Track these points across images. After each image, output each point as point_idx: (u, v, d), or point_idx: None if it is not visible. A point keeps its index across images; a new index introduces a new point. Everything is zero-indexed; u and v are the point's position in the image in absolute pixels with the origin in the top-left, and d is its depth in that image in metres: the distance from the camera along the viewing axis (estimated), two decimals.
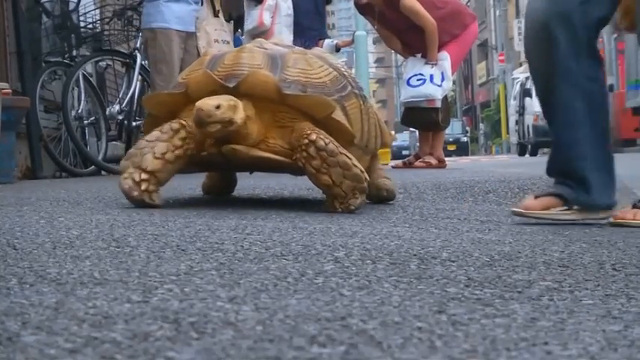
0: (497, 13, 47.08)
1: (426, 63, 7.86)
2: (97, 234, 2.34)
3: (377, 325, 1.33)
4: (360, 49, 13.84)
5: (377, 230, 2.79)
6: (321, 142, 3.36)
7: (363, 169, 3.42)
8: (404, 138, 40.93)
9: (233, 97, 3.35)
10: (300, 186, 4.37)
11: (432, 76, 7.81)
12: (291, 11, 8.45)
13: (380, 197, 4.04)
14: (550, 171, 3.45)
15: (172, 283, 1.64)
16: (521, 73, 31.86)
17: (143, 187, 3.36)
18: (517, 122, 27.88)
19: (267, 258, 2.02)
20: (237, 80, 3.46)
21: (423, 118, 7.96)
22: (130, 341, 1.17)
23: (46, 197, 3.97)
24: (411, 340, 1.24)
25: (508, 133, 34.86)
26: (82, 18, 8.69)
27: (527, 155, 25.33)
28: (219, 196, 4.07)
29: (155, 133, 3.48)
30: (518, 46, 44.28)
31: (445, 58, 7.93)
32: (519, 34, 43.32)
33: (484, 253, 2.27)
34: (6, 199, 3.87)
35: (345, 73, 3.81)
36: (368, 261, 2.03)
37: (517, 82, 29.10)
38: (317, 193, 4.07)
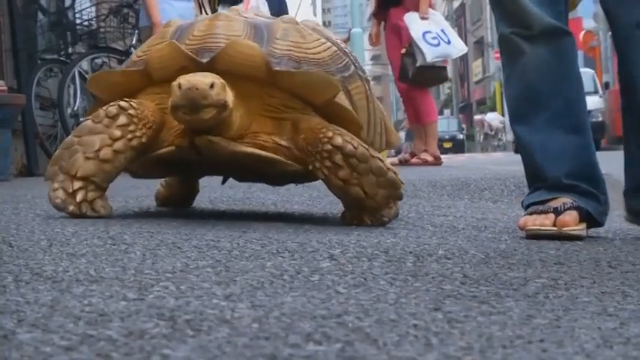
0: None
1: (421, 18, 7.99)
2: (92, 231, 2.34)
3: (373, 322, 1.33)
4: (357, 47, 13.84)
5: (373, 227, 2.78)
6: (350, 147, 2.66)
7: (396, 170, 2.75)
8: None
9: (215, 74, 2.62)
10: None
11: (440, 35, 7.98)
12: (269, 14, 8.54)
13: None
14: (574, 176, 2.72)
15: (168, 280, 1.64)
16: None
17: (79, 197, 2.67)
18: None
19: (263, 255, 2.02)
20: (213, 54, 2.72)
21: (436, 75, 8.13)
22: (125, 339, 1.17)
23: (41, 195, 3.96)
24: (407, 338, 1.24)
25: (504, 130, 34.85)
26: (77, 15, 8.69)
27: None
28: (177, 208, 3.30)
29: (86, 124, 2.73)
30: None
31: (437, 13, 8.25)
32: None
33: (480, 250, 2.27)
34: (2, 197, 3.87)
35: (347, 49, 3.05)
36: (364, 258, 2.03)
37: None
38: (313, 190, 4.07)
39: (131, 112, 2.70)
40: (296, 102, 2.75)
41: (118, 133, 2.67)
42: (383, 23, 8.43)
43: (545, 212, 2.65)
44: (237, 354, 1.11)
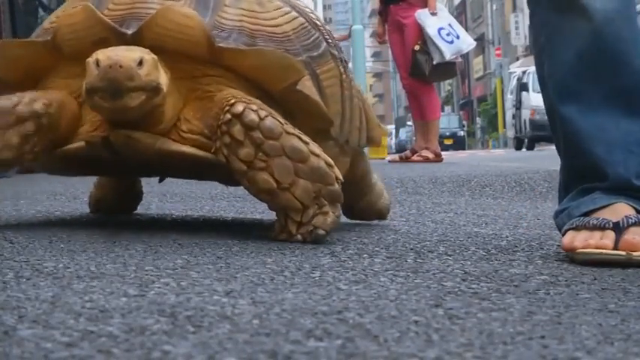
0: (494, 7, 47.06)
1: (432, 14, 8.02)
2: (93, 228, 2.34)
3: (373, 318, 1.33)
4: (357, 43, 13.85)
5: (373, 224, 2.78)
6: (252, 117, 2.06)
7: (330, 160, 2.12)
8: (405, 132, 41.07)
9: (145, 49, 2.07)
10: None
11: (451, 31, 8.02)
12: None
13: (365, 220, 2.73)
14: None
15: (169, 277, 1.64)
16: (518, 68, 31.85)
17: None
18: (514, 116, 27.88)
19: (263, 252, 2.01)
20: (140, 24, 2.16)
21: (448, 71, 8.19)
22: (126, 335, 1.17)
23: (42, 191, 3.96)
24: (408, 334, 1.24)
25: (505, 127, 34.88)
26: None
27: (523, 149, 25.37)
28: (113, 213, 2.78)
29: None
30: (515, 40, 44.32)
31: (443, 8, 8.31)
32: (516, 28, 43.36)
33: (481, 247, 2.27)
34: (2, 193, 3.87)
35: (318, 22, 2.44)
36: (365, 255, 2.04)
37: (514, 77, 29.09)
38: None
39: (44, 120, 2.16)
40: (241, 85, 2.20)
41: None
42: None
43: (601, 228, 1.99)
44: (237, 350, 1.11)
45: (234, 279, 1.65)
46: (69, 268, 1.71)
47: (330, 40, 2.43)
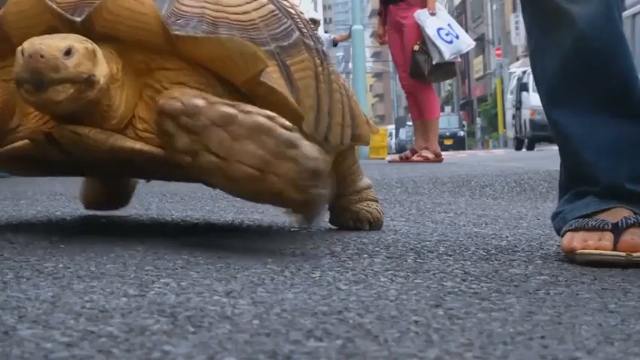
0: (494, 7, 47.08)
1: (431, 14, 8.01)
2: (93, 228, 2.34)
3: (373, 319, 1.33)
4: (357, 44, 13.85)
5: None
6: (176, 105, 1.89)
7: (269, 112, 1.90)
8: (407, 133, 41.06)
9: (85, 37, 1.92)
10: None
11: (450, 31, 8.00)
12: None
13: (358, 227, 2.54)
14: None
15: (169, 277, 1.64)
16: (518, 68, 31.86)
17: None
18: (514, 116, 27.90)
19: (263, 252, 2.02)
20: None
21: (448, 71, 8.18)
22: (126, 335, 1.17)
23: (42, 191, 3.96)
24: (408, 334, 1.24)
25: (505, 127, 34.91)
26: None
27: (523, 149, 25.39)
28: (106, 209, 2.78)
29: None
30: (515, 40, 44.33)
31: (442, 9, 8.28)
32: (516, 28, 43.37)
33: (481, 247, 2.27)
34: (2, 193, 3.87)
35: (292, 9, 2.28)
36: (365, 255, 2.04)
37: (514, 77, 29.11)
38: None
39: None
40: (200, 79, 2.02)
41: None
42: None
43: (600, 229, 2.00)
44: (238, 350, 1.11)
45: (234, 279, 1.65)
46: (69, 268, 1.71)
47: (304, 30, 2.26)
